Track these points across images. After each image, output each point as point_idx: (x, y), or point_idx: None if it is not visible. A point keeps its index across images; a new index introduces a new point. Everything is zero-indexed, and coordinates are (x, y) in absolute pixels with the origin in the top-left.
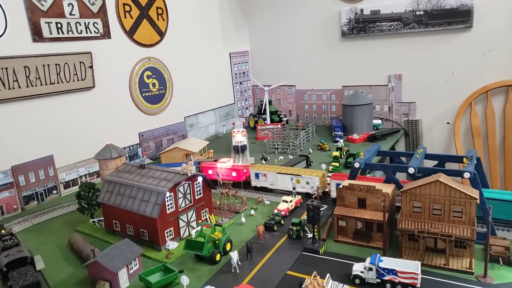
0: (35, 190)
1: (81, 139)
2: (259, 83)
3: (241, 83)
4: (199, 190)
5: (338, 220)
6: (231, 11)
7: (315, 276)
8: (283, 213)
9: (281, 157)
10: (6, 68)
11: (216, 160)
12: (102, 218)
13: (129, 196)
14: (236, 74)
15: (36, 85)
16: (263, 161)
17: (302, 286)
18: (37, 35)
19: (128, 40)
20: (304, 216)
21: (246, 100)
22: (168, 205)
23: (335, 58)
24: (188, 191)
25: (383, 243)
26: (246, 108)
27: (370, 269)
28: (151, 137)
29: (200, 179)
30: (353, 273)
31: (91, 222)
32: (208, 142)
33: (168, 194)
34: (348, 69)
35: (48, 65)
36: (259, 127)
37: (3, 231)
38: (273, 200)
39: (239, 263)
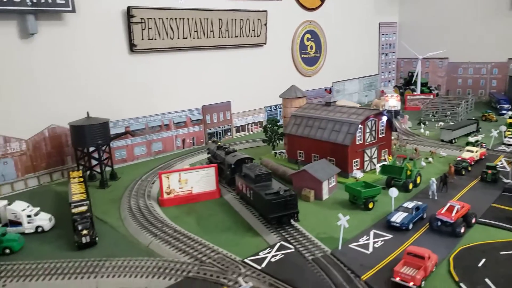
0: (216, 129)
1: (251, 90)
2: (413, 51)
3: (386, 54)
4: (383, 129)
5: None
6: None
7: None
8: (468, 161)
9: (441, 123)
10: (206, 19)
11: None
12: (283, 150)
13: (318, 127)
14: (383, 45)
15: (224, 37)
16: (422, 125)
17: None
18: None
19: (294, 2)
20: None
21: (389, 72)
22: (357, 136)
23: (502, 29)
24: (374, 128)
25: None
26: (389, 81)
27: None
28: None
29: (384, 118)
30: None
31: (272, 153)
32: (359, 105)
33: (359, 126)
34: None
35: (235, 19)
36: (408, 97)
37: (219, 143)
38: (450, 153)
39: (435, 192)
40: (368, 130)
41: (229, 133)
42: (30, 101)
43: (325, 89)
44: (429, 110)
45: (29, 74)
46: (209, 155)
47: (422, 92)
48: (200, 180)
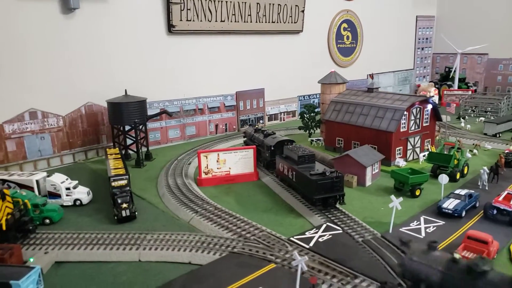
0: (248, 116)
1: (285, 79)
2: (452, 45)
3: (422, 49)
4: (427, 118)
5: None
6: None
7: None
8: None
9: (482, 118)
10: (245, 3)
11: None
12: (320, 138)
13: (360, 113)
14: (419, 39)
15: (261, 22)
16: (462, 119)
17: None
18: None
19: None
20: None
21: (425, 67)
22: (402, 123)
23: None
24: (418, 116)
25: None
26: (424, 77)
27: None
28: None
29: (429, 106)
30: None
31: (309, 141)
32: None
33: (405, 112)
34: None
35: (273, 4)
36: (445, 92)
37: (256, 126)
38: (495, 146)
39: (486, 182)
40: (412, 117)
41: (261, 121)
42: (68, 77)
43: (368, 75)
44: (468, 106)
45: (68, 49)
46: (245, 138)
47: (459, 88)
48: (238, 161)
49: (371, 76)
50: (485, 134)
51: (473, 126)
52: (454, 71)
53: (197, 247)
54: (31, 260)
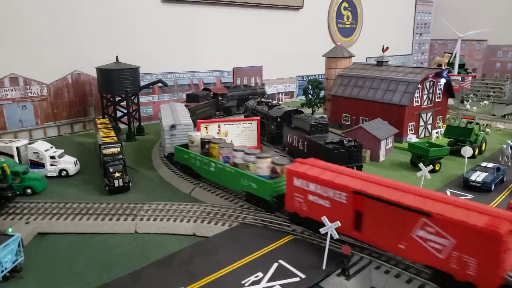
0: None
1: (284, 57)
2: (453, 29)
3: (420, 34)
4: (440, 93)
5: None
6: None
7: None
8: None
9: (486, 102)
10: None
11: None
12: (324, 115)
13: (369, 87)
14: (418, 24)
15: None
16: (465, 102)
17: None
18: None
19: None
20: None
21: (422, 54)
22: (415, 97)
23: None
24: (431, 91)
25: None
26: (421, 63)
27: None
28: None
29: (443, 81)
30: None
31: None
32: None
33: (418, 85)
34: None
35: None
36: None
37: (259, 99)
38: (507, 126)
39: (510, 157)
40: (425, 92)
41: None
42: (55, 42)
43: (384, 47)
44: (469, 91)
45: (56, 12)
46: (246, 113)
47: (459, 73)
48: (240, 134)
49: (385, 49)
50: (494, 115)
51: (479, 108)
52: (454, 57)
53: (202, 217)
54: (10, 230)
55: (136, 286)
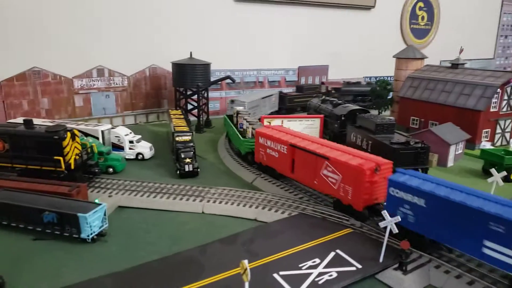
0: None
1: (351, 57)
2: None
3: (506, 37)
4: None
5: None
6: None
7: None
8: None
9: None
10: None
11: None
12: (391, 118)
13: (441, 90)
14: (503, 26)
15: None
16: None
17: None
18: None
19: None
20: None
21: (506, 58)
22: (493, 102)
23: None
24: None
25: None
26: (504, 68)
27: None
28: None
29: None
30: None
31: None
32: None
33: (498, 90)
34: None
35: None
36: None
37: (323, 97)
38: None
39: None
40: (506, 97)
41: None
42: (135, 37)
43: (461, 48)
44: None
45: (139, 10)
46: (309, 111)
47: None
48: (303, 130)
49: (461, 50)
50: None
51: None
52: None
53: (263, 204)
54: (97, 200)
55: (203, 258)
